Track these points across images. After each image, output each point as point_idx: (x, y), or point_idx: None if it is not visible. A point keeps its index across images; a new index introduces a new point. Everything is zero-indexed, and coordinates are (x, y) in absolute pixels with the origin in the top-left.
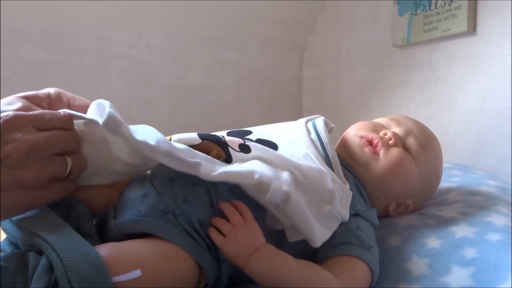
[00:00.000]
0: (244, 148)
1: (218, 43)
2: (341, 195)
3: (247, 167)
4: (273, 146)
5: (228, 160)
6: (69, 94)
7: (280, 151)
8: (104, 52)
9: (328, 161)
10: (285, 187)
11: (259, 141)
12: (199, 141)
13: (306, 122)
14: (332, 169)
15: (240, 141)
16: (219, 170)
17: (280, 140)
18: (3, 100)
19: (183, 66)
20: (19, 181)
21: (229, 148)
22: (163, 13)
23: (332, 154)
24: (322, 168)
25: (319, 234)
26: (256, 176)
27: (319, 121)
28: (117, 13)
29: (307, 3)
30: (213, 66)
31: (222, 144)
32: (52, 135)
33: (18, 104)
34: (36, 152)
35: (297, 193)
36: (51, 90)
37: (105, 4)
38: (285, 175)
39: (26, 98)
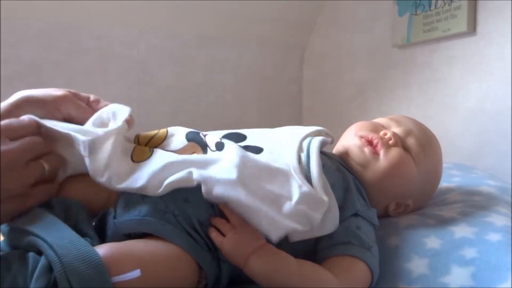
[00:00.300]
0: (219, 146)
1: (218, 43)
2: (308, 199)
3: (188, 170)
4: (258, 150)
5: None
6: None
7: (261, 156)
8: (104, 52)
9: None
10: (217, 190)
11: (246, 147)
12: (185, 143)
13: (303, 140)
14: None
15: (217, 139)
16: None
17: (268, 147)
18: (50, 89)
19: (183, 66)
20: (6, 192)
21: (208, 148)
22: (163, 13)
23: (316, 177)
24: (293, 172)
25: (279, 227)
26: (195, 177)
27: (315, 143)
28: (117, 13)
29: (307, 3)
30: (213, 66)
31: (203, 145)
32: (25, 143)
33: (61, 91)
34: (14, 161)
35: (246, 188)
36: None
37: (105, 4)
38: (230, 172)
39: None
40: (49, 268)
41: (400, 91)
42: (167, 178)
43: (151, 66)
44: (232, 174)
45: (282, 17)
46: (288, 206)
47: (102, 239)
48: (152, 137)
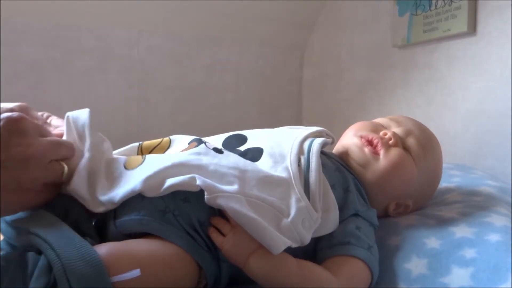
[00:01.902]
0: (218, 152)
1: (218, 43)
2: (304, 216)
3: (190, 175)
4: (259, 151)
5: None
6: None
7: (261, 161)
8: (104, 52)
9: (306, 188)
10: (220, 201)
11: (247, 150)
12: (186, 146)
13: (303, 141)
14: (309, 197)
15: (218, 147)
16: (165, 185)
17: (268, 148)
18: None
19: (183, 66)
20: (17, 183)
21: (205, 145)
22: (163, 13)
23: (314, 183)
24: (293, 180)
25: (279, 242)
26: (198, 183)
27: (316, 146)
28: (117, 13)
29: (307, 3)
30: (213, 66)
31: (200, 143)
32: (53, 142)
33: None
34: (38, 157)
35: (248, 200)
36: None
37: (105, 4)
38: (232, 185)
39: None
40: (49, 268)
41: (400, 91)
42: (164, 178)
43: (151, 66)
44: (234, 186)
45: (282, 17)
46: (285, 222)
47: (102, 239)
48: (156, 146)
